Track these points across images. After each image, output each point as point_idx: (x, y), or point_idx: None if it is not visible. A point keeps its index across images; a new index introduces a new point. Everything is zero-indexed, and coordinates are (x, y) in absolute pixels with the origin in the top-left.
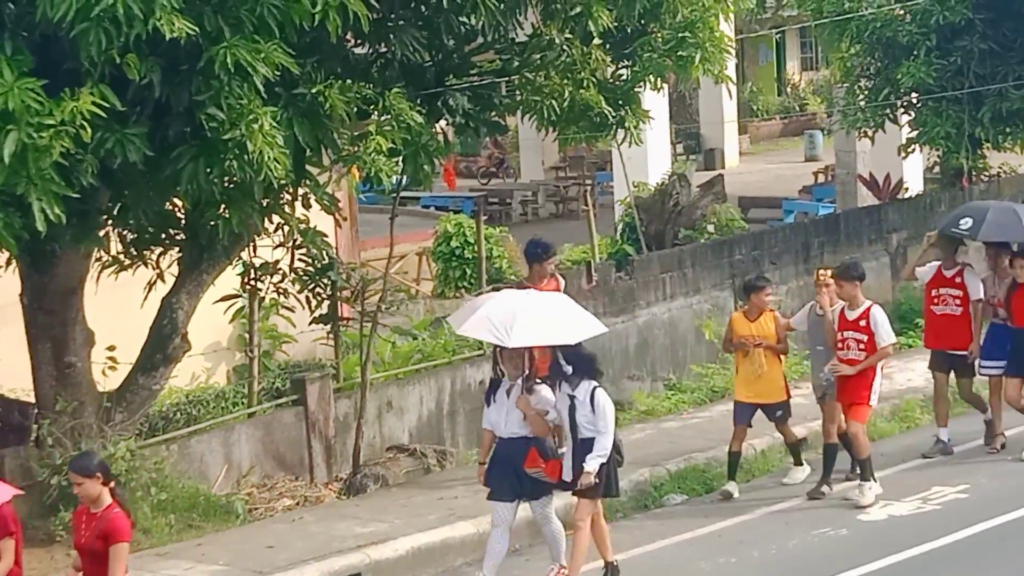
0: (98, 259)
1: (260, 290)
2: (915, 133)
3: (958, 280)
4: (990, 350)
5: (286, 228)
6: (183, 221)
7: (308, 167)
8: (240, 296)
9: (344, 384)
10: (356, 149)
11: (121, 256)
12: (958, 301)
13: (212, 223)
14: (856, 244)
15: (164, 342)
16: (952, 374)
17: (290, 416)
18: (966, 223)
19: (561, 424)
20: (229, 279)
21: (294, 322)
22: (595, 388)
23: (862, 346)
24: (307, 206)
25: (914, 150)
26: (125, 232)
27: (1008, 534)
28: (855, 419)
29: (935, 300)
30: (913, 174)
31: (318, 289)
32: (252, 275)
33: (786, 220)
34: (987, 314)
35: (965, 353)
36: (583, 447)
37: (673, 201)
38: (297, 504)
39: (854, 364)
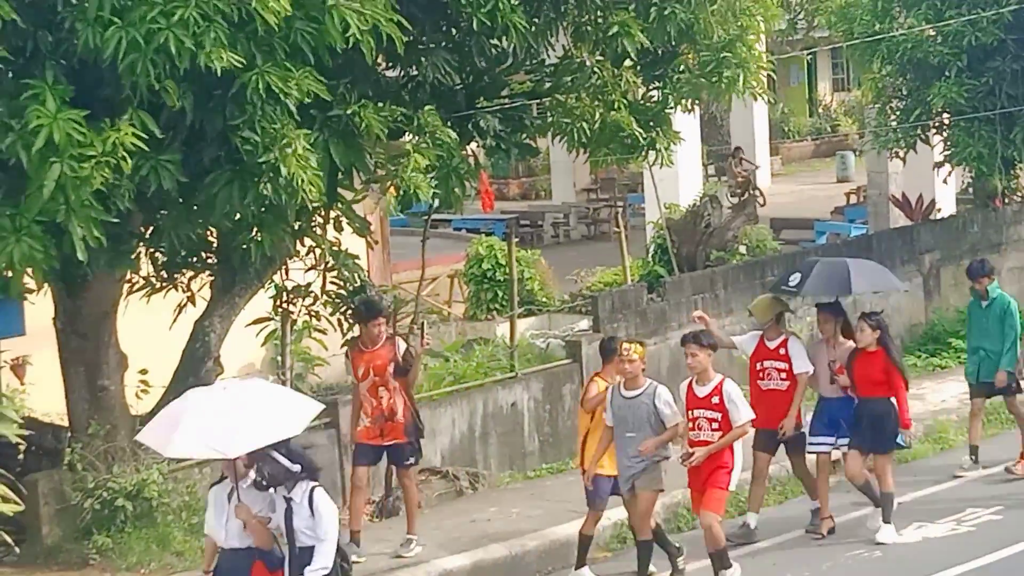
0: (129, 282)
1: (292, 313)
2: (947, 153)
3: (782, 352)
4: (817, 426)
5: (318, 251)
6: (215, 244)
7: (340, 190)
8: (272, 319)
9: None
10: (393, 169)
11: (153, 279)
12: (784, 375)
13: (244, 246)
14: (889, 265)
15: (197, 365)
16: (783, 451)
17: (322, 438)
18: (794, 279)
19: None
20: (261, 302)
21: (326, 345)
22: (313, 488)
23: (715, 425)
24: (339, 229)
25: (951, 171)
26: (157, 255)
27: None
28: (709, 509)
29: (760, 374)
30: (946, 195)
31: (350, 312)
32: (284, 298)
33: (818, 241)
34: (817, 385)
35: (798, 431)
36: (301, 557)
37: (705, 222)
38: None
39: (707, 446)
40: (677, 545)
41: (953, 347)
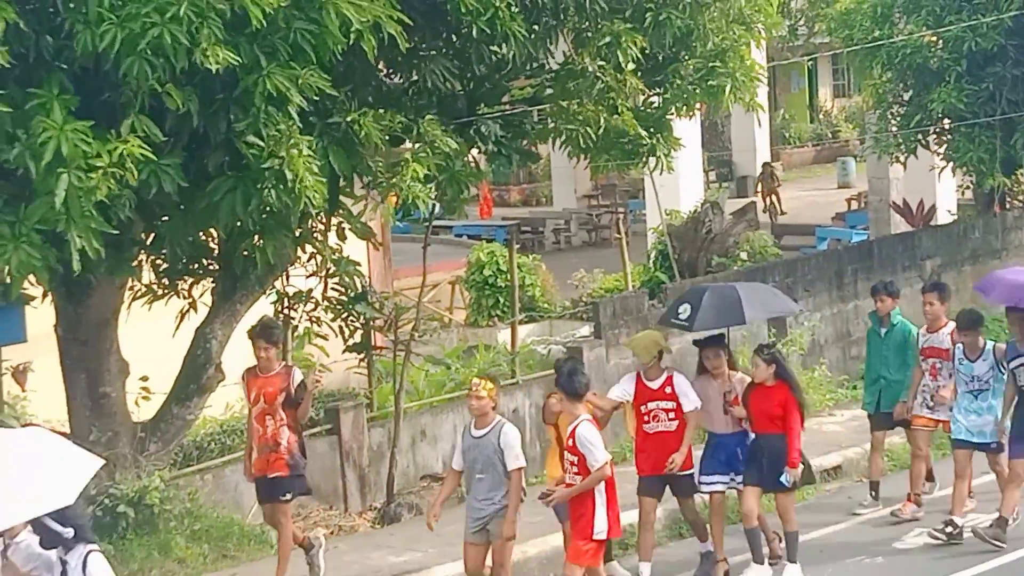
0: (131, 289)
1: (293, 319)
2: (947, 159)
3: (668, 390)
4: (711, 464)
5: (319, 257)
6: (217, 251)
7: (342, 197)
8: None
9: (378, 413)
10: (391, 177)
11: (154, 286)
12: (672, 415)
13: (246, 253)
14: (890, 271)
15: (198, 372)
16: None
17: (324, 445)
18: (684, 311)
19: None
20: (263, 308)
21: (327, 351)
22: (89, 553)
23: (575, 468)
24: (342, 238)
25: (948, 168)
26: (159, 262)
27: None
28: (572, 561)
29: (645, 418)
30: (946, 200)
31: (351, 318)
32: (285, 304)
33: (819, 247)
34: (709, 422)
35: (684, 473)
36: None
37: (706, 228)
38: (331, 533)
39: (568, 489)
40: None
41: None
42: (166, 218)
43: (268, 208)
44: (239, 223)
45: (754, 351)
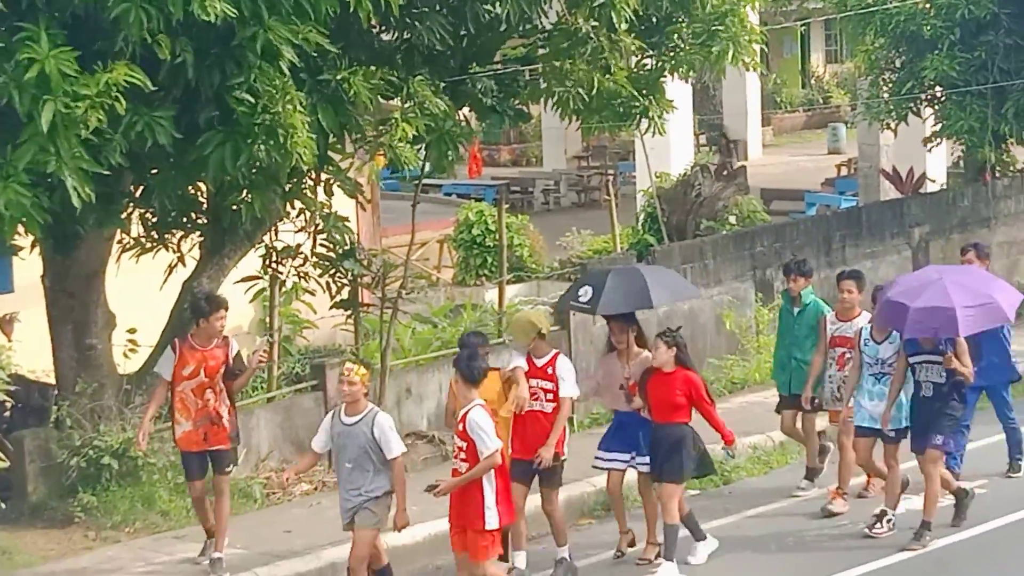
0: (119, 242)
1: (281, 274)
2: (938, 127)
3: (550, 371)
4: (613, 442)
5: (308, 213)
6: (205, 205)
7: (331, 153)
8: (261, 277)
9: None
10: (380, 135)
11: (143, 239)
12: (550, 396)
13: (235, 207)
14: (878, 238)
15: (185, 325)
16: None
17: (309, 401)
18: (585, 294)
19: None
20: (251, 264)
21: (315, 308)
22: None
23: (464, 455)
24: (329, 193)
25: (940, 143)
26: (147, 215)
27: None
28: (478, 559)
29: (534, 395)
30: (936, 168)
31: (339, 274)
32: (273, 259)
33: (808, 213)
34: (611, 400)
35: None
36: None
37: (695, 192)
38: (315, 489)
39: (457, 478)
40: None
41: None
42: (155, 171)
43: (258, 163)
44: (228, 178)
45: (657, 334)
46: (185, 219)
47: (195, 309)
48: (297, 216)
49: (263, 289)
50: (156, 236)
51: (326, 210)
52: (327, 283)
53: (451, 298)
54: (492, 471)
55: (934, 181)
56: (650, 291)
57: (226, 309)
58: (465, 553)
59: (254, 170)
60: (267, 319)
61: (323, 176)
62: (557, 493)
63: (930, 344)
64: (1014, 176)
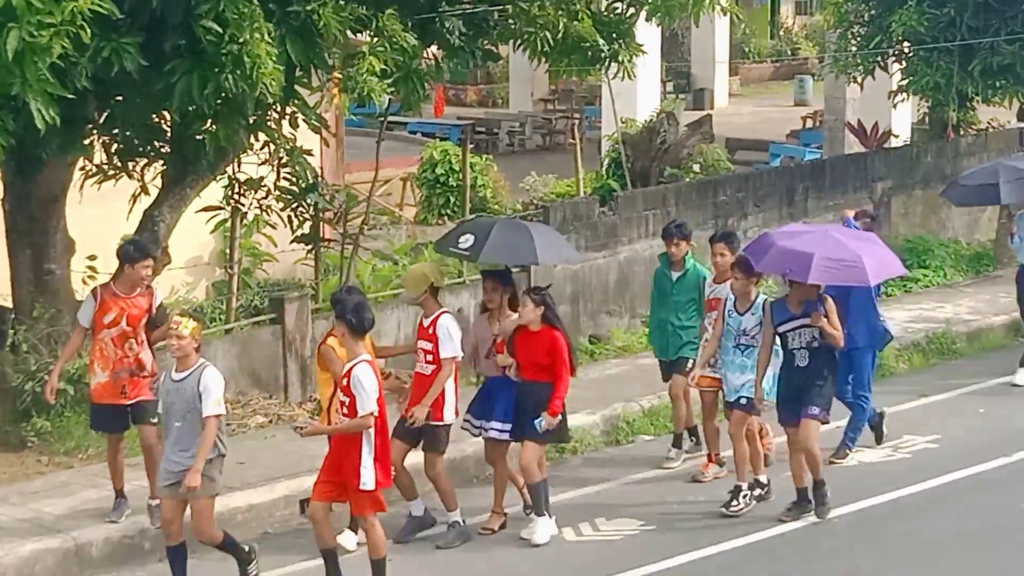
0: (82, 169)
1: (243, 206)
2: (905, 82)
3: (431, 331)
4: (483, 408)
5: (272, 146)
6: (169, 134)
7: (298, 87)
8: (223, 208)
9: (323, 305)
10: (348, 69)
11: (105, 167)
12: (430, 357)
13: (199, 137)
14: (841, 191)
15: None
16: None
17: (267, 334)
18: (466, 241)
19: None
20: (213, 193)
21: (276, 241)
22: None
23: (345, 409)
24: (294, 125)
25: (905, 99)
26: (111, 142)
27: (972, 486)
28: (357, 513)
29: (417, 355)
30: (901, 124)
31: (301, 208)
32: (236, 190)
33: (772, 163)
34: (483, 366)
35: (435, 424)
36: None
37: (660, 139)
38: (270, 422)
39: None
40: (247, 547)
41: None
42: (120, 98)
43: (224, 93)
44: (193, 107)
45: (524, 291)
46: (148, 147)
47: (122, 254)
48: (261, 149)
49: (224, 220)
50: (119, 164)
51: (290, 144)
52: (289, 217)
53: (413, 236)
54: (372, 432)
55: (898, 136)
56: (536, 248)
57: (154, 259)
58: (321, 503)
59: (219, 100)
60: (227, 250)
61: (289, 109)
62: (440, 458)
63: (798, 307)
64: (977, 135)
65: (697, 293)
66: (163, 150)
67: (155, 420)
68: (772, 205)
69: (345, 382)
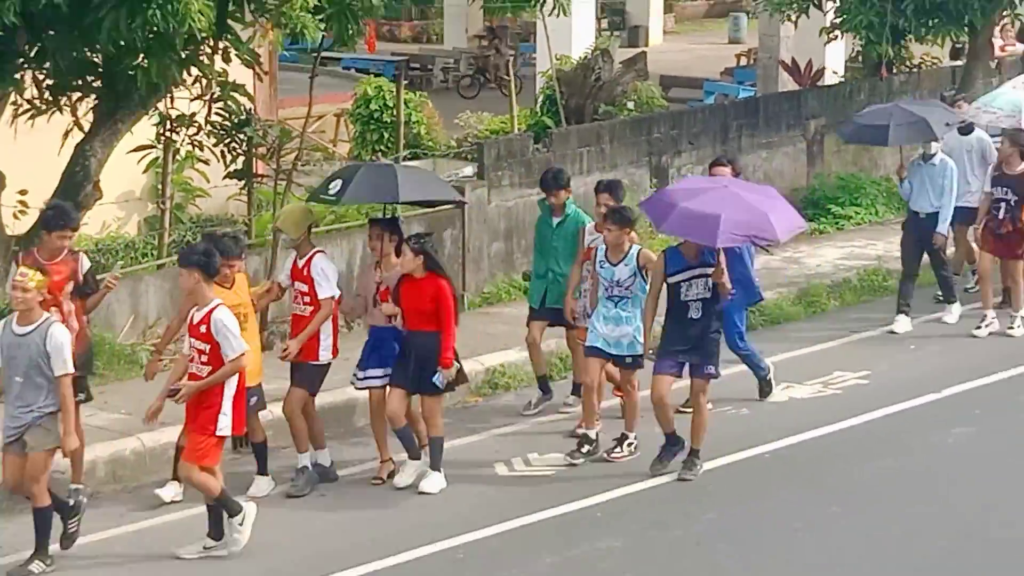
0: (14, 104)
1: (175, 142)
2: (838, 20)
3: (307, 272)
4: (369, 358)
5: (204, 81)
6: (101, 68)
7: (231, 22)
8: (155, 147)
9: (255, 241)
10: (280, 5)
11: (37, 102)
12: (307, 299)
13: (130, 72)
14: (774, 129)
15: (75, 189)
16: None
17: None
18: (335, 186)
19: None
20: (145, 130)
21: (208, 177)
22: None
23: (205, 357)
24: (227, 60)
25: (836, 36)
26: (42, 77)
27: (902, 422)
28: (190, 460)
29: (295, 297)
30: (835, 62)
31: (234, 144)
32: (168, 126)
33: (706, 101)
34: (354, 312)
35: (314, 363)
36: None
37: (595, 76)
38: None
39: (197, 381)
40: (73, 502)
41: (832, 213)
42: (51, 32)
43: (154, 28)
44: (123, 42)
45: (405, 239)
46: (80, 82)
47: (42, 220)
48: (193, 84)
49: (156, 159)
50: (51, 99)
51: (223, 79)
52: (221, 152)
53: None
54: (238, 375)
55: (834, 74)
56: (399, 186)
57: (74, 229)
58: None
59: (150, 35)
60: (159, 186)
61: (221, 44)
62: (306, 397)
63: (695, 257)
64: (911, 72)
65: (577, 240)
66: (95, 85)
67: (80, 398)
68: (706, 143)
69: (204, 329)
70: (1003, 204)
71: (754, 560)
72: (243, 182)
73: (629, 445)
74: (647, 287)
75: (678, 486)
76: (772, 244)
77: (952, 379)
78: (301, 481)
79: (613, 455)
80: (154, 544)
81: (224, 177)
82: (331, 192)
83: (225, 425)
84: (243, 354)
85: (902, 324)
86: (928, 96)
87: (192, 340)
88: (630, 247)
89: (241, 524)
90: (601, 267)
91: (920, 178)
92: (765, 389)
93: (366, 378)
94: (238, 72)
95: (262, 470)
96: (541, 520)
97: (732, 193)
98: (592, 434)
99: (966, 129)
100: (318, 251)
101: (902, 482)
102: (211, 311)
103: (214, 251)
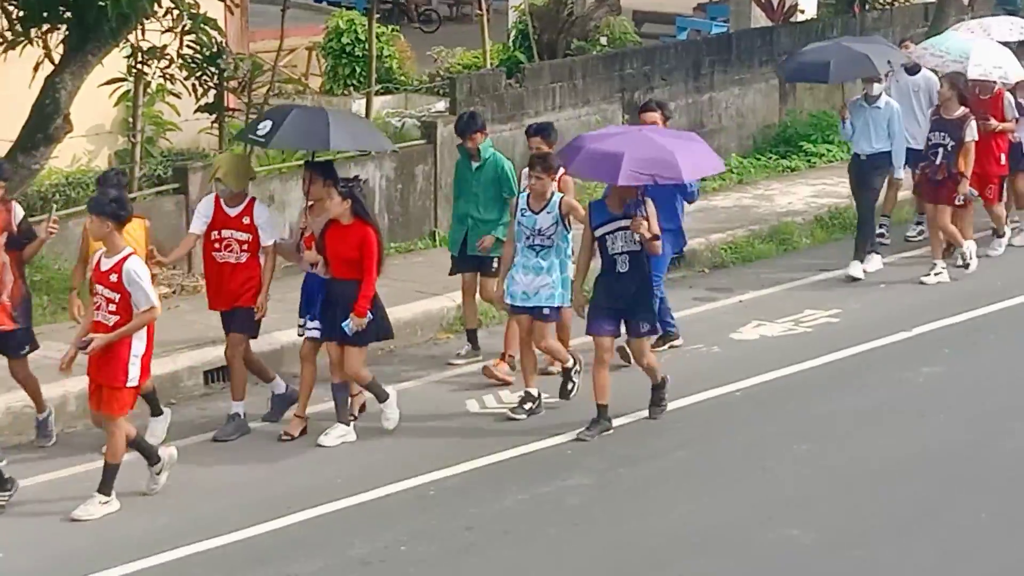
0: None
1: (146, 75)
2: None
3: (246, 220)
4: (305, 308)
5: (175, 13)
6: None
7: None
8: (126, 80)
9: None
10: None
11: (6, 33)
12: (245, 247)
13: (100, 3)
14: (747, 65)
15: (46, 122)
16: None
17: (170, 204)
18: (264, 128)
19: None
20: (115, 61)
21: (179, 110)
22: None
23: (113, 307)
24: None
25: None
26: (12, 9)
27: (872, 360)
28: (109, 412)
29: (216, 245)
30: None
31: (205, 77)
32: (139, 59)
33: (679, 37)
34: (294, 259)
35: (248, 307)
36: None
37: (568, 11)
38: (174, 293)
39: (105, 331)
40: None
41: (804, 150)
42: None
43: None
44: None
45: (333, 183)
46: (50, 14)
47: None
48: (164, 16)
49: (127, 92)
50: (21, 31)
51: (194, 10)
52: (193, 85)
53: (318, 107)
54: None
55: (803, 12)
56: (330, 132)
57: (5, 180)
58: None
59: None
60: (130, 119)
61: None
62: (244, 341)
63: (618, 208)
64: (883, 9)
65: (499, 183)
66: (65, 16)
67: (24, 352)
68: (678, 79)
69: (115, 278)
70: (940, 149)
71: (723, 497)
72: (214, 116)
73: (533, 402)
74: (568, 236)
75: (648, 424)
76: (676, 183)
77: (922, 318)
78: (230, 427)
79: (515, 413)
80: (120, 481)
81: (195, 111)
82: (259, 133)
83: (135, 375)
84: (155, 307)
85: (873, 263)
86: (902, 33)
87: (100, 287)
88: (552, 195)
89: (158, 474)
90: (522, 215)
91: (863, 119)
92: (658, 344)
93: (304, 328)
94: (209, 4)
95: (156, 411)
96: (511, 457)
97: (643, 136)
98: (534, 392)
99: (913, 69)
100: (254, 198)
101: (872, 420)
102: (123, 260)
103: (126, 198)
